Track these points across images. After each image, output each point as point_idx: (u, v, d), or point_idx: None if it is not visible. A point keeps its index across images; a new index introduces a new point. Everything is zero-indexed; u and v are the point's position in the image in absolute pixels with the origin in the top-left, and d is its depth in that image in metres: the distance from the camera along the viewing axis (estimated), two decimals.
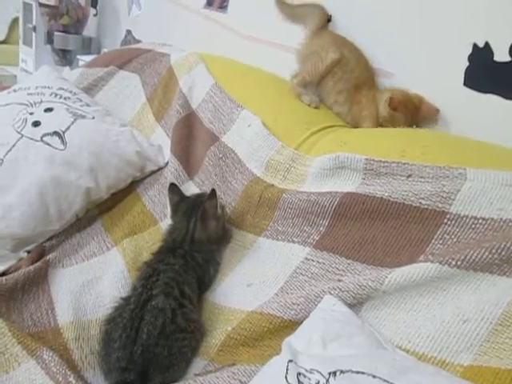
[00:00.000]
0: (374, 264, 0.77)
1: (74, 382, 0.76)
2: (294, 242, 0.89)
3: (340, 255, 0.81)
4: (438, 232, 0.75)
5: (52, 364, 0.78)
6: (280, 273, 0.86)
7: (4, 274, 1.02)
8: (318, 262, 0.83)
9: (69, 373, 0.77)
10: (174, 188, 1.00)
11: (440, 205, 0.76)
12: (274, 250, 0.91)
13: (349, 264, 0.79)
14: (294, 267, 0.85)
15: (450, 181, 0.78)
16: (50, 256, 1.07)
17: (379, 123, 1.08)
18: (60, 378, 0.76)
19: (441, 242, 0.74)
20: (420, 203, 0.78)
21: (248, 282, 0.89)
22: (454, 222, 0.74)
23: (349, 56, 1.12)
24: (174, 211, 0.99)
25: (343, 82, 1.12)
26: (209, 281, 0.93)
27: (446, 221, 0.75)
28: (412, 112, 1.02)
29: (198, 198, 0.98)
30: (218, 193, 1.06)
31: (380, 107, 1.06)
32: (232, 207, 1.03)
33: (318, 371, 0.55)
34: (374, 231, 0.81)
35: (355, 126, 1.12)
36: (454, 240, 0.73)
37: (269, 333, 0.77)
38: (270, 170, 1.02)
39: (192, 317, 0.83)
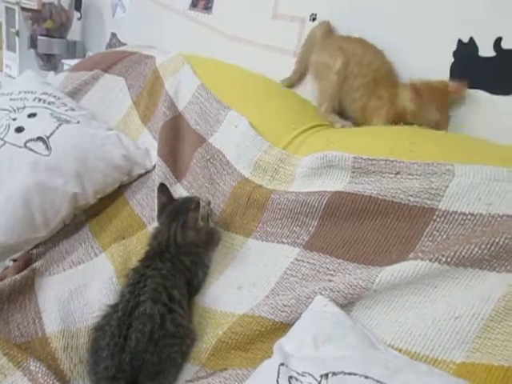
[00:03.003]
0: (365, 263, 0.77)
1: None
2: (283, 242, 0.88)
3: (330, 255, 0.81)
4: (428, 229, 0.74)
5: (39, 375, 0.77)
6: (270, 274, 0.85)
7: None
8: (308, 262, 0.82)
9: (57, 383, 0.76)
10: (163, 188, 0.99)
11: (429, 201, 0.76)
12: (263, 252, 0.90)
13: (339, 264, 0.79)
14: (284, 268, 0.84)
15: (438, 177, 0.77)
16: (36, 264, 1.05)
17: (403, 120, 1.01)
18: None
19: (430, 238, 0.73)
20: (409, 200, 0.78)
21: (238, 285, 0.88)
22: (443, 218, 0.74)
23: (360, 52, 1.06)
24: (160, 212, 0.98)
25: (361, 78, 1.06)
26: (198, 284, 0.92)
27: (435, 217, 0.75)
28: (441, 97, 0.96)
29: (184, 204, 0.97)
30: (207, 195, 1.05)
31: (405, 102, 1.00)
32: (220, 209, 1.02)
33: (309, 374, 0.54)
34: (364, 230, 0.80)
35: (369, 123, 1.07)
36: (444, 237, 0.73)
37: (260, 336, 0.76)
38: (258, 170, 1.01)
39: (182, 322, 0.81)
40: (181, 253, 0.92)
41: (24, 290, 0.97)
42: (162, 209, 0.98)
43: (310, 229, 0.87)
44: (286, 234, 0.89)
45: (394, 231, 0.77)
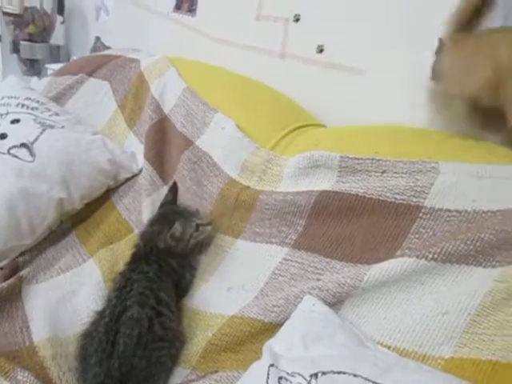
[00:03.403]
0: (352, 261, 0.77)
1: None
2: (271, 242, 0.88)
3: (318, 254, 0.81)
4: (414, 226, 0.75)
5: None
6: (259, 275, 0.85)
7: None
8: (296, 261, 0.83)
9: None
10: (174, 188, 1.02)
11: (415, 199, 0.77)
12: (252, 252, 0.90)
13: (327, 262, 0.79)
14: (272, 268, 0.84)
15: (424, 175, 0.78)
16: (23, 272, 1.04)
17: None
18: None
19: (417, 236, 0.74)
20: (395, 198, 0.78)
21: (227, 286, 0.87)
22: (428, 215, 0.75)
23: None
24: (159, 209, 0.99)
25: None
26: (186, 286, 0.91)
27: (421, 215, 0.75)
28: None
29: (179, 212, 0.96)
30: (195, 198, 1.05)
31: None
32: (209, 211, 1.02)
33: (299, 374, 0.54)
34: (351, 228, 0.81)
35: None
36: (430, 233, 0.73)
37: (250, 337, 0.76)
38: (246, 172, 1.01)
39: (170, 325, 0.81)
40: (166, 255, 0.91)
41: (11, 298, 0.96)
42: (161, 207, 0.99)
43: (298, 228, 0.87)
44: (275, 234, 0.89)
45: (381, 229, 0.78)
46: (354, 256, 0.77)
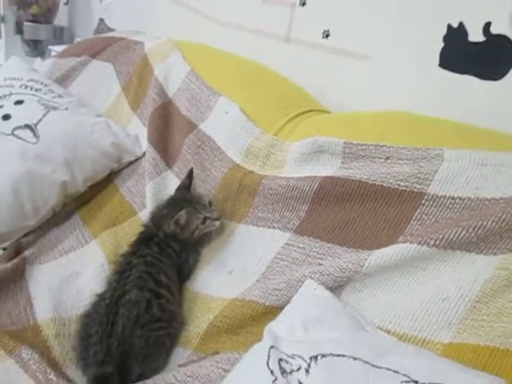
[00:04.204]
0: (354, 247, 0.77)
1: (54, 379, 0.75)
2: (274, 227, 0.89)
3: (320, 239, 0.81)
4: (416, 213, 0.75)
5: (31, 362, 0.77)
6: (261, 259, 0.85)
7: None
8: (298, 246, 0.83)
9: (49, 370, 0.76)
10: (190, 174, 1.01)
11: (418, 186, 0.76)
12: (254, 237, 0.90)
13: (329, 248, 0.79)
14: (274, 253, 0.85)
15: (428, 162, 0.78)
16: (27, 252, 1.05)
17: None
18: (40, 376, 0.75)
19: (419, 222, 0.74)
20: (398, 185, 0.78)
21: (229, 270, 0.88)
22: (431, 202, 0.75)
23: None
24: (174, 192, 1.00)
25: None
26: (188, 271, 0.92)
27: (423, 202, 0.75)
28: None
29: (189, 198, 0.95)
30: (198, 182, 1.05)
31: None
32: (212, 195, 1.02)
33: (299, 356, 0.55)
34: (354, 214, 0.81)
35: None
36: (432, 220, 0.73)
37: (251, 319, 0.77)
38: (249, 156, 1.01)
39: (169, 307, 0.82)
40: (170, 239, 0.92)
41: (15, 279, 0.97)
42: (176, 190, 1.00)
43: (301, 213, 0.87)
44: (277, 219, 0.89)
45: (384, 215, 0.78)
46: (356, 242, 0.78)
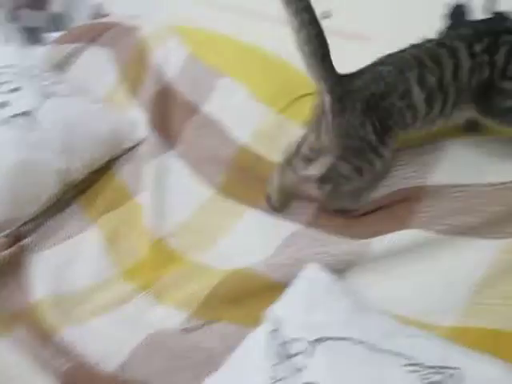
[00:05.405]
0: (362, 238, 0.77)
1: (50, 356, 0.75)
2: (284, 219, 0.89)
3: (329, 234, 0.81)
4: (422, 204, 0.74)
5: (26, 343, 0.78)
6: (268, 245, 0.85)
7: None
8: (306, 236, 0.83)
9: (42, 349, 0.77)
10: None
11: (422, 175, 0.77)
12: (264, 223, 0.90)
13: (338, 238, 0.80)
14: (281, 241, 0.85)
15: (430, 153, 0.78)
16: (26, 240, 1.05)
17: None
18: (37, 353, 0.76)
19: (425, 213, 0.73)
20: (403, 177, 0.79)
21: (236, 252, 0.88)
22: (436, 190, 0.74)
23: None
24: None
25: None
26: None
27: (428, 191, 0.75)
28: None
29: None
30: (205, 165, 1.03)
31: None
32: (220, 178, 1.01)
33: (301, 339, 0.54)
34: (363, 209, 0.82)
35: None
36: (438, 209, 0.73)
37: (254, 292, 0.77)
38: (257, 138, 1.00)
39: None
40: None
41: (14, 266, 0.97)
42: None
43: (312, 207, 0.87)
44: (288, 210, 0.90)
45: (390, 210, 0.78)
46: (364, 234, 0.77)
